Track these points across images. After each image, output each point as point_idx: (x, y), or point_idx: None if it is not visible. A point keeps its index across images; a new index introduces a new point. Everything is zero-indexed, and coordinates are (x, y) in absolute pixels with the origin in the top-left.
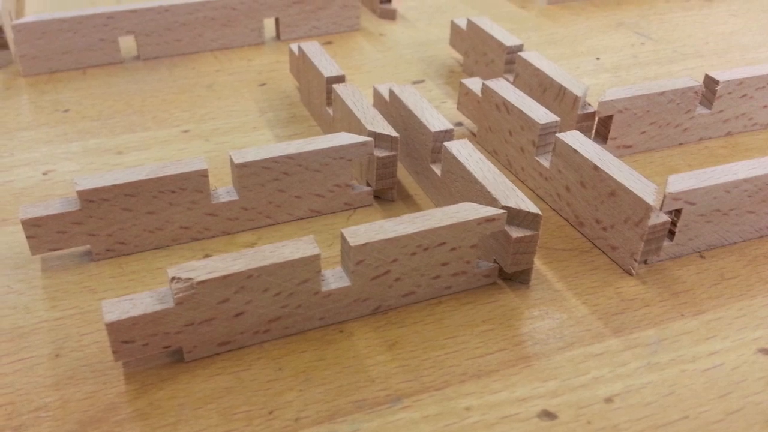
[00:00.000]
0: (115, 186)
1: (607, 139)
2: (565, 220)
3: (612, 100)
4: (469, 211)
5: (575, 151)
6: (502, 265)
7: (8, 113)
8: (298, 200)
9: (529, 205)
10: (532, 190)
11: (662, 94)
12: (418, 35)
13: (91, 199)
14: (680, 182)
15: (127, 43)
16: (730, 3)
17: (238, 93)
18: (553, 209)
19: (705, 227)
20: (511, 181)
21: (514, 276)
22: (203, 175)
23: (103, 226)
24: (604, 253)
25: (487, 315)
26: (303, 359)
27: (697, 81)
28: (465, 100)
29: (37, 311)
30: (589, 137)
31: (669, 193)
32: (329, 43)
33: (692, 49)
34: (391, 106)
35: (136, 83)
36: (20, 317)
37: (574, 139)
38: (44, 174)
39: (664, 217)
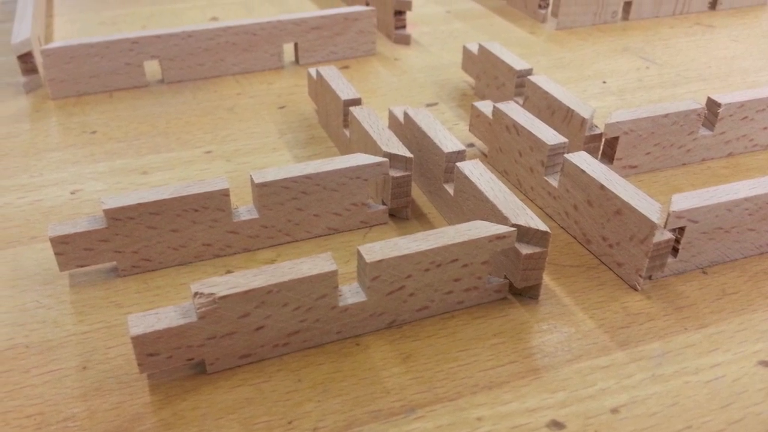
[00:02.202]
0: (140, 205)
1: (613, 159)
2: (572, 237)
3: (618, 122)
4: (480, 228)
5: (583, 171)
6: (512, 281)
7: (38, 135)
8: (316, 218)
9: (538, 223)
10: (541, 208)
11: (666, 116)
12: (431, 60)
13: (117, 217)
14: (683, 201)
15: (152, 68)
16: (731, 29)
17: (259, 115)
18: (562, 227)
19: (707, 244)
20: (520, 200)
21: (523, 291)
22: (225, 194)
23: (128, 243)
24: (610, 269)
25: (498, 329)
26: (321, 371)
27: (700, 104)
28: (476, 122)
29: (65, 325)
30: (596, 158)
31: (673, 211)
32: (346, 67)
33: (695, 72)
34: (406, 128)
35: (160, 106)
36: (49, 331)
37: (582, 159)
38: (72, 193)
39: (668, 235)
